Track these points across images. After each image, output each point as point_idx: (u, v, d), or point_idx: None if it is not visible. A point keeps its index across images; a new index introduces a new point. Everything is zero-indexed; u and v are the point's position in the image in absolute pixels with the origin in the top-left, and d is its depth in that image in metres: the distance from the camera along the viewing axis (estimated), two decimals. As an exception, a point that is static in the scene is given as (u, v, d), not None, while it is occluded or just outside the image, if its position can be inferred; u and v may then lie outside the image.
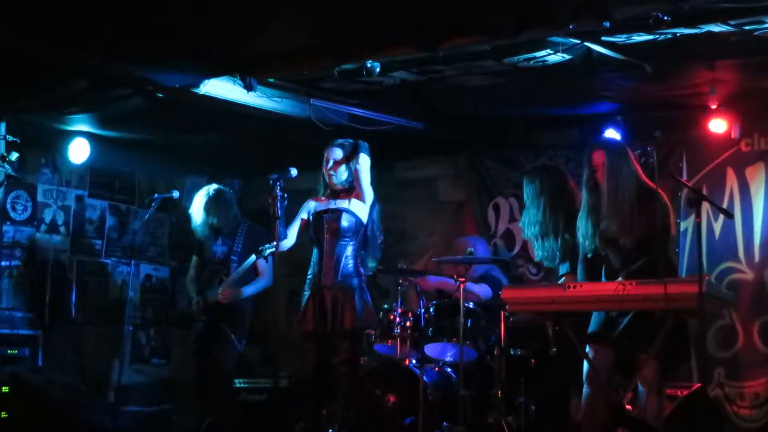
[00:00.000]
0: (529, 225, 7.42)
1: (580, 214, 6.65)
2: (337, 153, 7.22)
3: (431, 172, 10.44)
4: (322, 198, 7.27)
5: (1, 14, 6.39)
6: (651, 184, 6.43)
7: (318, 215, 7.16)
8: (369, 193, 7.33)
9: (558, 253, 7.21)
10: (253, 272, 8.34)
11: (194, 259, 8.76)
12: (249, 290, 8.34)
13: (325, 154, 7.24)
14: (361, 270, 7.28)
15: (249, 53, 7.14)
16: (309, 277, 7.19)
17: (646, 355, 6.22)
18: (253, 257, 7.94)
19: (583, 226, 6.59)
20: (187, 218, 8.75)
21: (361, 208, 7.26)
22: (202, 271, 8.59)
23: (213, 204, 8.47)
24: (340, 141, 7.29)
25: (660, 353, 6.21)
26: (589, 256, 6.60)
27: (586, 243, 6.55)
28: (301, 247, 7.70)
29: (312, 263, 7.20)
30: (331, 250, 7.15)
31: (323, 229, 7.15)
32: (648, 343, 6.17)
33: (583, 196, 6.66)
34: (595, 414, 6.42)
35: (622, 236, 6.35)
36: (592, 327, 6.48)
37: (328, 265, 7.13)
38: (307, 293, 7.17)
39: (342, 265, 7.14)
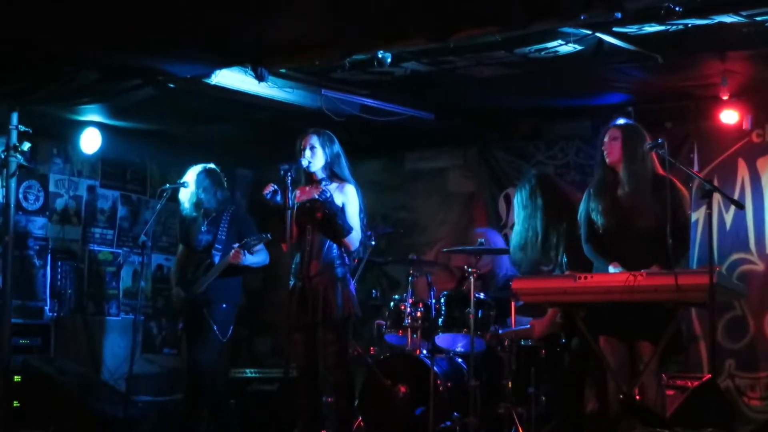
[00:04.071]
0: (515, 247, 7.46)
1: (593, 190, 6.63)
2: (314, 140, 7.16)
3: (441, 163, 10.44)
4: (306, 188, 7.22)
5: (12, 5, 6.41)
6: (662, 171, 6.44)
7: (302, 205, 7.11)
8: (350, 180, 7.25)
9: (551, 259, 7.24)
10: None
11: (181, 248, 8.71)
12: (249, 260, 8.21)
13: (301, 143, 7.18)
14: (346, 259, 7.23)
15: (260, 44, 7.14)
16: (293, 266, 7.13)
17: (646, 341, 6.24)
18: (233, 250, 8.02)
19: (596, 203, 6.57)
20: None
21: (343, 197, 7.18)
22: (187, 262, 8.56)
23: (204, 178, 8.40)
24: (314, 129, 7.24)
25: (655, 339, 6.23)
26: (600, 231, 6.57)
27: (599, 219, 6.53)
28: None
29: (297, 253, 7.15)
30: (315, 240, 7.11)
31: (307, 219, 7.11)
32: (645, 328, 6.20)
33: (597, 174, 6.64)
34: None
35: (639, 218, 6.35)
36: (598, 321, 6.48)
37: (312, 254, 7.09)
38: (291, 282, 7.13)
39: (325, 254, 7.09)
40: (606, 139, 6.60)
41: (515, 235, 7.42)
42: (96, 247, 10.20)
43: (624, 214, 6.44)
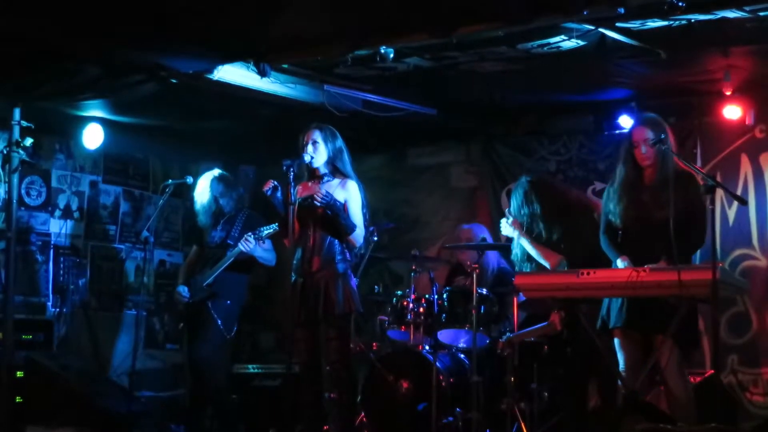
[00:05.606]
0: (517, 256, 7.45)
1: (613, 187, 6.59)
2: (316, 135, 7.16)
3: (444, 158, 10.43)
4: (308, 183, 7.22)
5: (16, 1, 6.41)
6: (683, 165, 6.41)
7: (303, 201, 7.10)
8: (352, 176, 7.23)
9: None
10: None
11: (194, 248, 8.83)
12: (259, 252, 8.32)
13: (304, 138, 7.17)
14: (348, 255, 7.22)
15: (263, 39, 7.14)
16: (294, 262, 7.12)
17: (664, 337, 6.21)
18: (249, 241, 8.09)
19: (615, 201, 6.53)
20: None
21: (345, 193, 7.17)
22: (198, 261, 8.64)
23: (218, 185, 8.51)
24: (316, 124, 7.24)
25: (676, 335, 6.21)
26: (619, 226, 6.53)
27: (617, 220, 6.51)
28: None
29: (298, 249, 7.15)
30: (316, 236, 7.10)
31: (308, 215, 7.10)
32: (664, 324, 6.17)
33: (619, 171, 6.60)
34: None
35: (659, 213, 6.30)
36: (616, 315, 6.45)
37: (313, 250, 7.08)
38: (293, 278, 7.12)
39: (327, 250, 7.08)
40: (635, 138, 6.51)
41: (518, 246, 7.40)
42: (98, 243, 10.21)
43: (645, 209, 6.40)
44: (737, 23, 6.52)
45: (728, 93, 8.16)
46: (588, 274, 6.19)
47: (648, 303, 6.24)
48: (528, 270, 7.27)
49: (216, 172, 8.66)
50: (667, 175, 6.33)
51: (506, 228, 7.40)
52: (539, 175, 8.08)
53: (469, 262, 8.19)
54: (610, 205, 6.58)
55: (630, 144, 6.52)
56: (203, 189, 8.58)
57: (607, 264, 6.51)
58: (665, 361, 6.28)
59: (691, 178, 6.39)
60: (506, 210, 7.52)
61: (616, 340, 6.48)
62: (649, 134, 6.42)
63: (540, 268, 7.20)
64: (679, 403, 6.28)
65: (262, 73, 7.56)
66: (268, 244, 8.31)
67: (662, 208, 6.27)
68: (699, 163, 8.54)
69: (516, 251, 7.41)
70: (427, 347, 8.16)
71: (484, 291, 8.03)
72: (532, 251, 7.25)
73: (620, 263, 6.38)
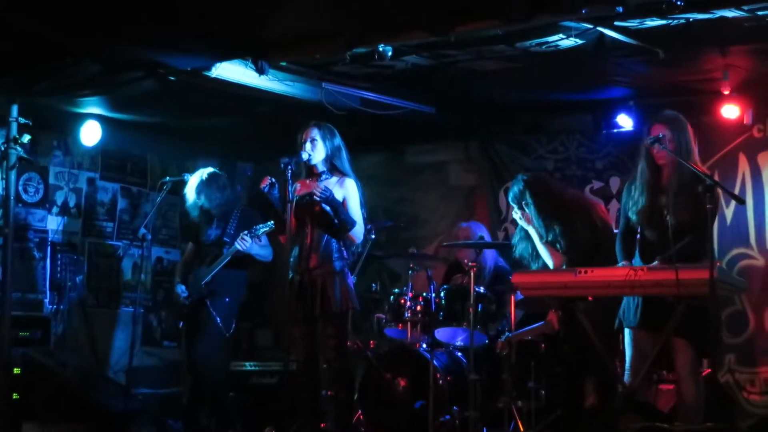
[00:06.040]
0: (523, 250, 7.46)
1: (633, 184, 6.55)
2: (315, 133, 7.17)
3: (443, 156, 10.43)
4: (306, 181, 7.23)
5: (15, -2, 6.43)
6: (700, 166, 6.39)
7: (301, 198, 7.10)
8: (350, 174, 7.23)
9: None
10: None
11: (189, 245, 8.88)
12: (255, 250, 8.38)
13: (302, 136, 7.18)
14: (344, 253, 7.22)
15: (261, 37, 7.13)
16: (291, 260, 7.13)
17: (678, 338, 6.19)
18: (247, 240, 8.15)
19: (634, 199, 6.50)
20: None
21: (344, 191, 7.17)
22: (195, 258, 8.66)
23: (205, 186, 8.55)
24: (315, 122, 7.25)
25: (691, 336, 6.18)
26: (638, 229, 6.50)
27: (635, 217, 6.48)
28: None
29: (296, 246, 7.15)
30: (314, 234, 7.10)
31: (306, 213, 7.10)
32: (679, 325, 6.15)
33: (641, 168, 6.57)
34: None
35: (674, 215, 6.23)
36: (632, 315, 6.43)
37: (311, 248, 7.08)
38: (290, 276, 7.12)
39: (324, 248, 7.09)
40: (650, 133, 6.48)
41: (524, 250, 7.41)
42: (95, 240, 10.20)
43: (659, 211, 6.36)
44: (736, 22, 6.51)
45: (726, 92, 8.15)
46: (585, 272, 6.20)
47: (663, 304, 6.21)
48: (536, 268, 7.27)
49: (206, 172, 8.67)
50: (678, 176, 6.29)
51: (518, 219, 7.42)
52: (535, 174, 8.08)
53: (466, 261, 8.18)
54: (629, 202, 6.54)
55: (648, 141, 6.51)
56: (190, 188, 8.63)
57: (603, 264, 6.51)
58: (679, 363, 6.27)
59: (704, 178, 6.33)
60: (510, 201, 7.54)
61: (627, 338, 6.46)
62: (665, 132, 6.38)
63: (545, 266, 7.21)
64: (688, 405, 6.25)
65: (261, 71, 7.55)
66: (264, 240, 8.34)
67: (679, 211, 6.21)
68: (696, 163, 8.54)
69: (527, 247, 7.39)
70: (424, 345, 8.15)
71: (482, 289, 8.03)
72: (541, 249, 7.26)
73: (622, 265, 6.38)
